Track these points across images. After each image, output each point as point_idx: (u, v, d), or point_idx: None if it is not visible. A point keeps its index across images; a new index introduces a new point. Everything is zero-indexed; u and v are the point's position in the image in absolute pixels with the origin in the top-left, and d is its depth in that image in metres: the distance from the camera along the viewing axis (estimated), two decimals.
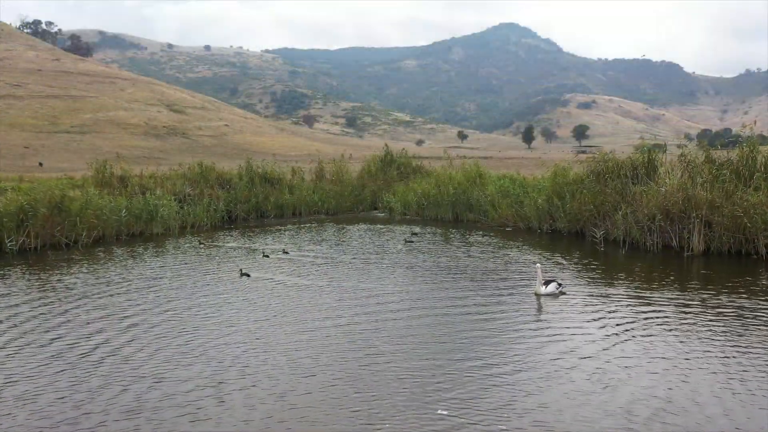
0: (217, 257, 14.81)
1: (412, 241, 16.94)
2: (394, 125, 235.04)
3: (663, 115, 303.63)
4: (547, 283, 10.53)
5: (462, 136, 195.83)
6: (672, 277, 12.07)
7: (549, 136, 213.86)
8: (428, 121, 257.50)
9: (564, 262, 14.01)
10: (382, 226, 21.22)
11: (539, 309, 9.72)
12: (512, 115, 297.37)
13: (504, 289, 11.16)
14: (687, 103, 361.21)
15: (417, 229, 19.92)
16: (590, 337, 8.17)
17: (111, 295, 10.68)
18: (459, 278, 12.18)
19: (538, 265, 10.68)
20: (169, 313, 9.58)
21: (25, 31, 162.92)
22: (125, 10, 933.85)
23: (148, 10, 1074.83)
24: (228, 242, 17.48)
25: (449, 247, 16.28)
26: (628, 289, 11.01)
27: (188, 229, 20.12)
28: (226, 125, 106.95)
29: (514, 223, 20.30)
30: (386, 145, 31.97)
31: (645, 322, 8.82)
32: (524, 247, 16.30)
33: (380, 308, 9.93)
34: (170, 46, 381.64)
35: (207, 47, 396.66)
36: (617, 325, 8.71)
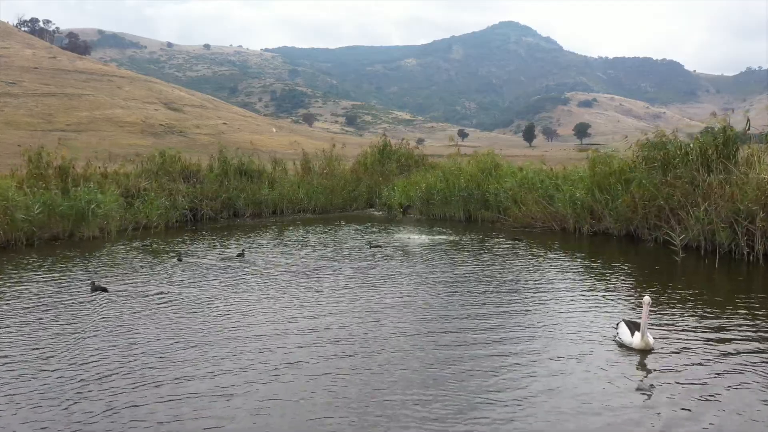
0: (124, 266, 11.56)
1: (379, 246, 13.85)
2: (394, 124, 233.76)
3: (664, 113, 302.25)
4: (629, 325, 6.46)
5: (462, 135, 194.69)
6: None
7: (550, 134, 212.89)
8: (428, 120, 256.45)
9: (632, 278, 10.23)
10: (375, 227, 18.50)
11: (631, 361, 6.00)
12: (513, 114, 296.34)
13: (545, 316, 7.62)
14: (688, 102, 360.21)
15: (422, 237, 16.04)
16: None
17: None
18: (477, 301, 8.53)
19: (648, 298, 6.37)
20: None
21: (23, 29, 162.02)
22: (126, 10, 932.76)
23: (149, 10, 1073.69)
24: (171, 246, 14.23)
25: (460, 254, 12.80)
26: (744, 322, 7.27)
27: (129, 231, 16.65)
28: (224, 123, 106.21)
29: (544, 222, 17.14)
30: (385, 135, 30.07)
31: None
32: (565, 254, 12.75)
33: (297, 344, 6.60)
34: (170, 44, 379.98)
35: (206, 46, 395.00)
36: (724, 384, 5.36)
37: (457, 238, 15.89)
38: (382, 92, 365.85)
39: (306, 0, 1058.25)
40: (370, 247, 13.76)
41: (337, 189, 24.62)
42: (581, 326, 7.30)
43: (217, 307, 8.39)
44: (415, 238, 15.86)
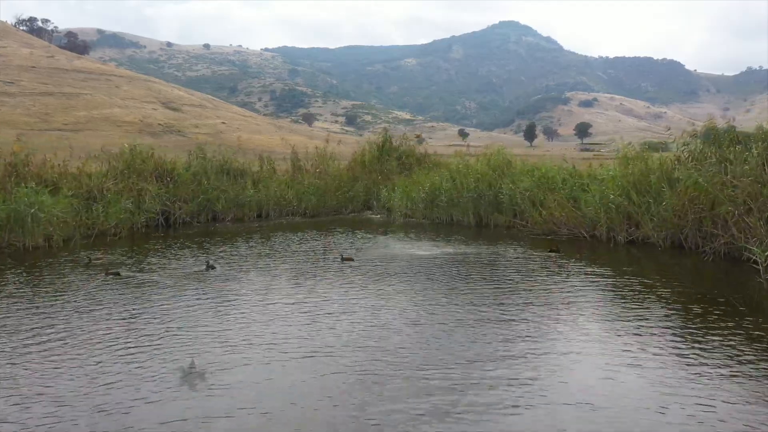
0: (36, 286, 9.46)
1: (352, 259, 11.81)
2: (394, 123, 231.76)
3: (665, 113, 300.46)
4: None
5: (462, 134, 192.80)
6: None
7: (550, 134, 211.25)
8: (428, 120, 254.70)
9: (716, 310, 7.62)
10: (371, 233, 16.21)
11: None
12: (513, 114, 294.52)
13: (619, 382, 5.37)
14: (688, 102, 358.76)
15: (426, 247, 13.74)
16: None
17: None
18: (499, 331, 6.67)
19: None
20: None
21: (21, 28, 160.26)
22: (126, 10, 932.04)
23: (149, 10, 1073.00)
24: (124, 258, 12.15)
25: (474, 271, 10.64)
26: None
27: (77, 239, 14.20)
28: (223, 123, 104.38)
29: (570, 229, 14.92)
30: (386, 130, 27.63)
31: None
32: (612, 271, 10.39)
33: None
34: (169, 44, 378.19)
35: (206, 46, 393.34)
36: None
37: (467, 249, 13.49)
38: (382, 92, 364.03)
39: (306, 0, 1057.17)
40: (342, 260, 11.66)
41: (330, 189, 22.48)
42: (688, 404, 4.80)
43: (127, 351, 6.01)
44: (418, 247, 13.70)
